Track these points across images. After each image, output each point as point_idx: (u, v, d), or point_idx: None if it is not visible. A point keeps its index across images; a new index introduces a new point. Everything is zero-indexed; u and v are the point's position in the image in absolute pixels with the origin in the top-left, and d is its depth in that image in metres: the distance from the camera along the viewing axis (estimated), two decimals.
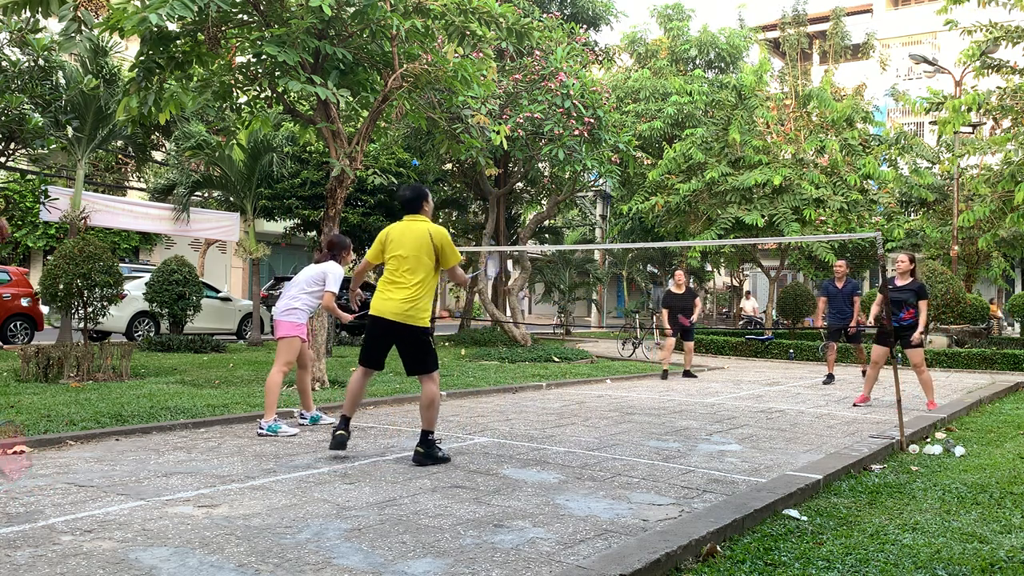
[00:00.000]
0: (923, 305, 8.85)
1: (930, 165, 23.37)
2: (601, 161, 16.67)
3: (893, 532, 4.16)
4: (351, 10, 8.87)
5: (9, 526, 3.90)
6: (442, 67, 9.43)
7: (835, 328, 11.69)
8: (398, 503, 4.49)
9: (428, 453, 5.48)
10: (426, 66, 9.42)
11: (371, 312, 5.57)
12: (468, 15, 9.52)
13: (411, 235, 5.56)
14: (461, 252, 5.86)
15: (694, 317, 12.75)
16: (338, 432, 5.60)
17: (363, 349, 5.73)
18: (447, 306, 39.24)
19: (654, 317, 25.19)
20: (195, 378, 10.25)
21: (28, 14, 8.26)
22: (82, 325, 10.79)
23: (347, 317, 6.69)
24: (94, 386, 9.19)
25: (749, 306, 30.71)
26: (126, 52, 20.24)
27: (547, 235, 27.94)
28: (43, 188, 15.01)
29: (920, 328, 8.85)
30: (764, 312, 28.60)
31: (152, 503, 4.39)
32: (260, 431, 6.55)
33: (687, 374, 13.12)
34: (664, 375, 12.74)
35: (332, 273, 6.75)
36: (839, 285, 11.59)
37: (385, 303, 5.50)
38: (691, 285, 13.77)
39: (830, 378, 12.19)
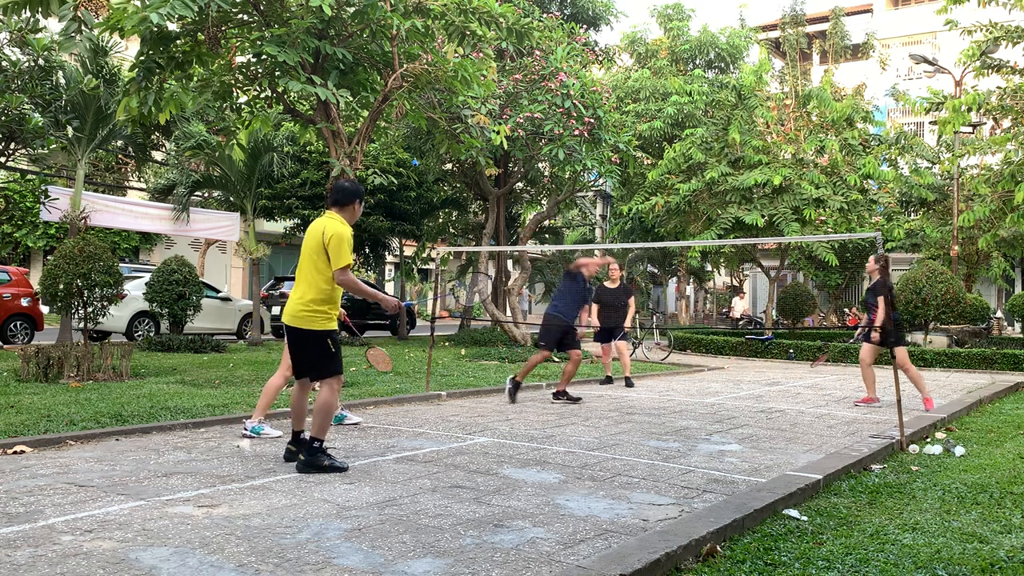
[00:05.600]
0: (880, 301, 8.76)
1: (930, 165, 23.36)
2: (601, 161, 16.67)
3: (893, 532, 4.16)
4: (351, 10, 8.88)
5: (9, 526, 3.90)
6: (442, 67, 9.44)
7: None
8: (398, 503, 4.49)
9: (310, 462, 5.16)
10: (426, 66, 9.43)
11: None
12: (468, 15, 9.53)
13: (309, 233, 5.26)
14: (460, 252, 5.77)
15: (627, 321, 11.44)
16: (288, 446, 5.56)
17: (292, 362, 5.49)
18: (447, 306, 39.23)
19: (654, 317, 25.23)
20: (195, 378, 10.25)
21: (28, 14, 8.28)
22: (82, 325, 10.80)
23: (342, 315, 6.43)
24: (94, 386, 9.19)
25: (740, 306, 30.59)
26: (126, 52, 20.26)
27: (547, 235, 27.92)
28: (43, 188, 14.99)
29: (877, 323, 8.77)
30: (764, 312, 28.58)
31: (152, 503, 4.39)
32: (244, 431, 6.55)
33: (628, 382, 11.39)
34: (608, 380, 11.60)
35: None
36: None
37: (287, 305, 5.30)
38: (626, 282, 12.16)
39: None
